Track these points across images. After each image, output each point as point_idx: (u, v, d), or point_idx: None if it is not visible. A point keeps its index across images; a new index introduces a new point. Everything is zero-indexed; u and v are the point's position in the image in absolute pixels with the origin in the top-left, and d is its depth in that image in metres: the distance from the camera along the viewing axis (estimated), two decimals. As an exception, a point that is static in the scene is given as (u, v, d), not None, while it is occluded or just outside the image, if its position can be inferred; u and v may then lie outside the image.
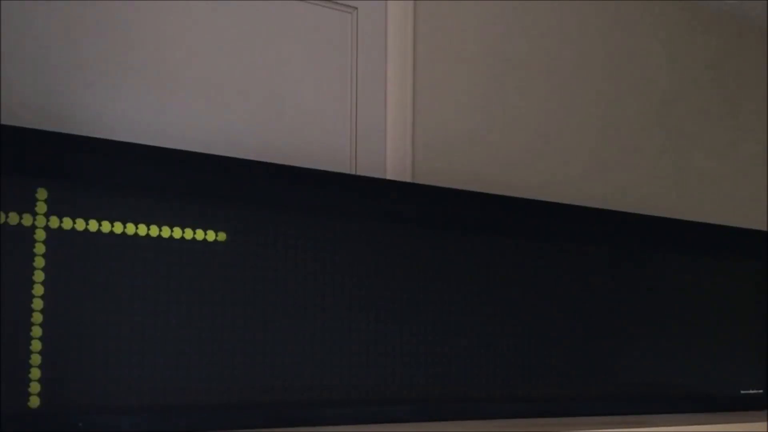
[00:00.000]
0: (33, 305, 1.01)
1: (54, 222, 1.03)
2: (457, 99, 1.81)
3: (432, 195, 1.38)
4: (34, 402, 1.00)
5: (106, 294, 1.05)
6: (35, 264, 1.02)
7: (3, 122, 1.22)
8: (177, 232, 1.11)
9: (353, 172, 1.62)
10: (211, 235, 1.14)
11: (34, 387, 1.00)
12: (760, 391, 1.70)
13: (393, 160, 1.68)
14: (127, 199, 1.08)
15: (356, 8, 1.67)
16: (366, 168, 1.64)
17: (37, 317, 1.01)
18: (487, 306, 1.38)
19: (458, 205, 1.39)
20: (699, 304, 1.65)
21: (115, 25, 1.41)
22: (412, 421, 1.28)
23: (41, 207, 1.03)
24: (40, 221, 1.02)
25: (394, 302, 1.28)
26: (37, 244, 1.02)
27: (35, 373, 1.00)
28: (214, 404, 1.12)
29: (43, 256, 1.02)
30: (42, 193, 1.03)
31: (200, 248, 1.13)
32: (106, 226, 1.06)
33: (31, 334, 1.00)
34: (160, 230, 1.10)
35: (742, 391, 1.68)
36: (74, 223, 1.04)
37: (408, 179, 1.68)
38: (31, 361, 1.00)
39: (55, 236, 1.03)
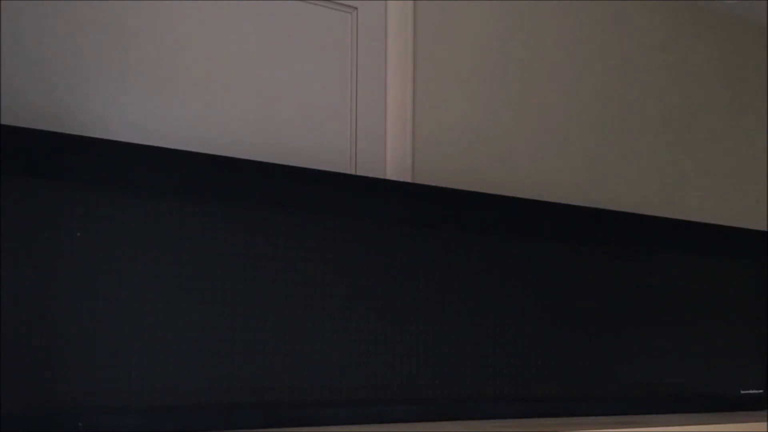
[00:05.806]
0: (33, 305, 1.01)
1: (54, 222, 1.03)
2: (457, 99, 1.81)
3: (432, 195, 1.39)
4: (34, 402, 1.00)
5: (106, 294, 1.05)
6: (35, 264, 1.01)
7: (3, 122, 1.22)
8: (177, 232, 1.11)
9: (353, 172, 1.62)
10: (210, 235, 1.14)
11: (35, 387, 1.00)
12: (760, 391, 1.70)
13: (393, 160, 1.67)
14: (127, 199, 1.08)
15: (356, 8, 1.67)
16: (366, 168, 1.64)
17: (37, 317, 1.01)
18: (487, 306, 1.38)
19: (458, 205, 1.39)
20: (699, 304, 1.65)
21: (115, 25, 1.41)
22: (412, 421, 1.28)
23: (42, 207, 1.02)
24: (41, 221, 1.02)
25: (394, 302, 1.28)
26: (37, 244, 1.02)
27: (35, 373, 1.00)
28: (214, 404, 1.12)
29: (43, 256, 1.02)
30: (43, 194, 1.03)
31: (200, 248, 1.13)
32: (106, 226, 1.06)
33: (32, 333, 1.00)
34: (161, 230, 1.10)
35: (742, 391, 1.68)
36: (74, 222, 1.04)
37: (408, 179, 1.68)
38: (31, 361, 1.00)
39: (55, 236, 1.03)
